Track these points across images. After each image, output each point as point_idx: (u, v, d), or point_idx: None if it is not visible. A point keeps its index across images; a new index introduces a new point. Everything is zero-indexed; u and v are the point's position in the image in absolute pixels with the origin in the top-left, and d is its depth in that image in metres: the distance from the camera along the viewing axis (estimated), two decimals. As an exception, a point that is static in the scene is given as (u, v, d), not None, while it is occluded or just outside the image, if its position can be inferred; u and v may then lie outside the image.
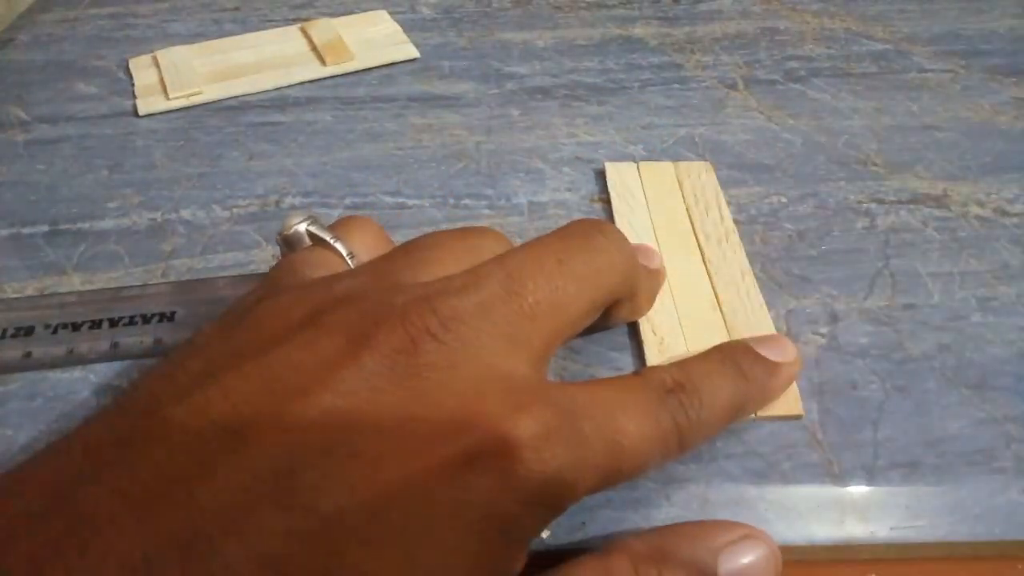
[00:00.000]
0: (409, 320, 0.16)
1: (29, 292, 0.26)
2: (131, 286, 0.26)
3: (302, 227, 0.21)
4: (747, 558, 0.16)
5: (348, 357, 0.15)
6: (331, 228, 0.21)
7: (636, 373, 0.18)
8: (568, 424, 0.15)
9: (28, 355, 0.23)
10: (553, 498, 0.15)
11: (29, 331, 0.24)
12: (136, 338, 0.23)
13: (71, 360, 0.23)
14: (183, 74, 0.37)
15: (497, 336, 0.16)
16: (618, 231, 0.20)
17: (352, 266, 0.20)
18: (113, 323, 0.24)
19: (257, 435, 0.14)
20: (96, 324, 0.24)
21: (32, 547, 0.13)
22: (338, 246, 0.20)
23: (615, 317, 0.22)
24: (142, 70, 0.38)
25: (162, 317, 0.24)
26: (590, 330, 0.23)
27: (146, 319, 0.24)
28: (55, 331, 0.24)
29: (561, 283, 0.18)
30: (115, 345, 0.23)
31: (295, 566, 0.13)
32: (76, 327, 0.24)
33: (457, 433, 0.15)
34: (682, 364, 0.19)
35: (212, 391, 0.15)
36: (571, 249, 0.18)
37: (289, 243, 0.21)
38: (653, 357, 0.22)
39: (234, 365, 0.15)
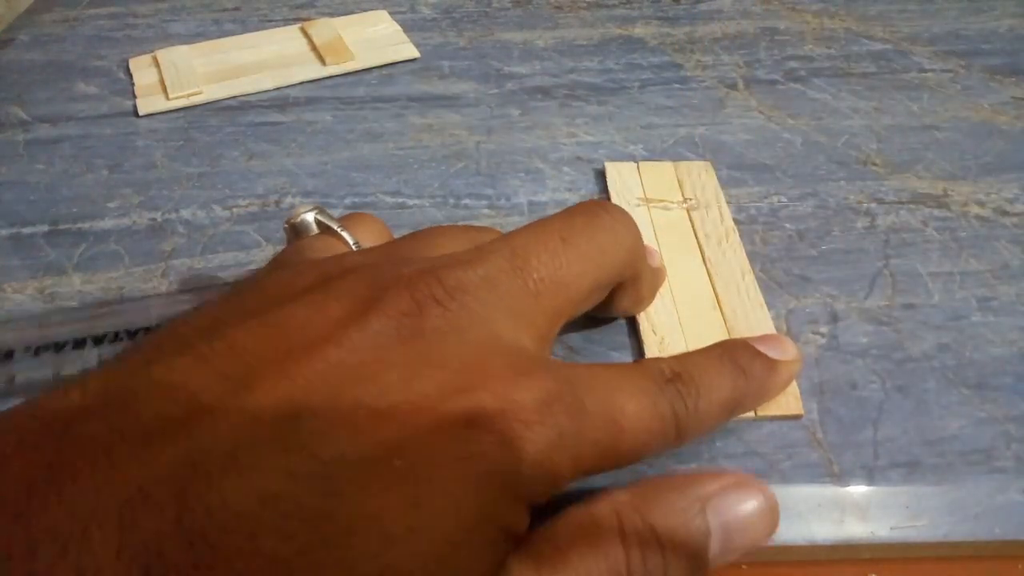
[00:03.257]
0: (416, 287, 0.16)
1: (29, 292, 0.26)
2: (109, 301, 0.25)
3: (310, 216, 0.21)
4: (739, 507, 0.16)
5: (355, 318, 0.15)
6: (338, 220, 0.21)
7: (636, 362, 0.18)
8: (569, 395, 0.16)
9: (11, 380, 0.22)
10: (554, 465, 0.15)
11: (8, 355, 0.22)
12: None
13: (59, 382, 0.22)
14: (183, 74, 0.37)
15: (502, 309, 0.16)
16: (623, 211, 0.20)
17: None
18: (97, 340, 0.23)
19: (261, 382, 0.14)
20: (79, 343, 0.23)
21: (24, 472, 0.12)
22: (345, 235, 0.21)
23: (618, 306, 0.22)
24: (142, 70, 0.38)
25: (147, 331, 0.23)
26: (591, 325, 0.23)
27: (131, 334, 0.23)
28: (37, 353, 0.23)
29: (565, 261, 0.18)
30: (103, 363, 0.22)
31: (295, 505, 0.13)
32: (59, 347, 0.23)
33: (461, 393, 0.15)
34: (681, 357, 0.19)
35: (217, 343, 0.15)
36: (576, 228, 0.19)
37: (296, 231, 0.21)
38: (653, 356, 0.22)
39: (240, 322, 0.15)
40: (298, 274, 0.17)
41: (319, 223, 0.21)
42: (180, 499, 0.12)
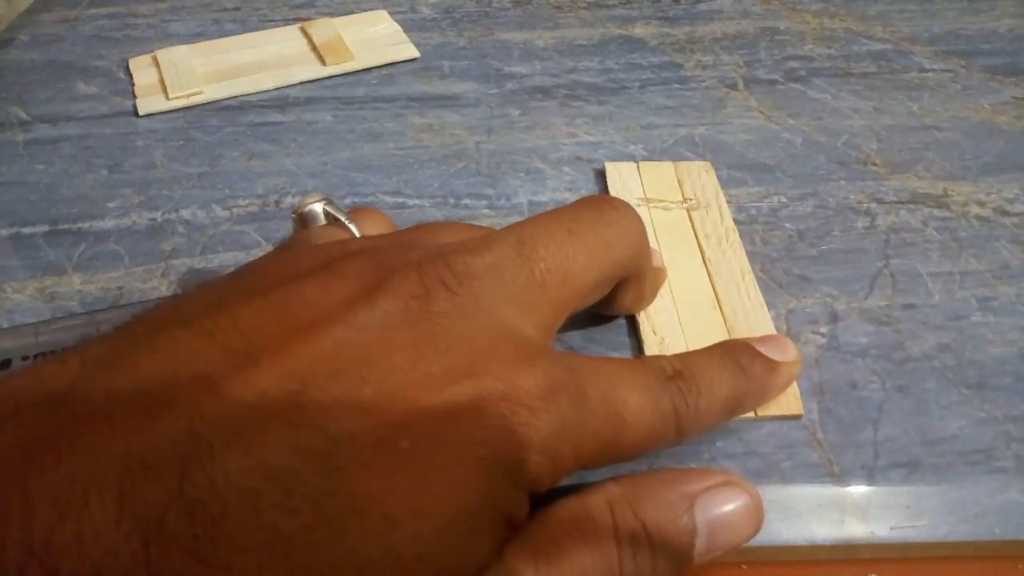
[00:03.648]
0: (424, 271, 0.16)
1: (29, 292, 0.26)
2: (106, 308, 0.25)
3: (318, 206, 0.21)
4: (726, 506, 0.16)
5: (362, 297, 0.15)
6: (346, 212, 0.21)
7: (638, 358, 0.18)
8: (573, 384, 0.16)
9: None
10: (555, 453, 0.15)
11: (5, 365, 0.22)
12: None
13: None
14: (183, 74, 0.37)
15: (508, 297, 0.16)
16: (629, 207, 0.20)
17: None
18: None
19: (266, 357, 0.14)
20: None
21: (21, 437, 0.12)
22: (351, 227, 0.21)
23: (620, 303, 0.22)
24: (142, 70, 0.38)
25: None
26: (592, 324, 0.23)
27: None
28: (34, 361, 0.22)
29: (572, 252, 0.18)
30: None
31: (299, 481, 0.12)
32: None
33: (466, 376, 0.15)
34: (683, 355, 0.19)
35: (221, 318, 0.14)
36: (583, 221, 0.19)
37: (304, 220, 0.21)
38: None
39: (244, 299, 0.15)
40: (302, 256, 0.17)
41: (327, 214, 0.21)
42: (182, 470, 0.12)
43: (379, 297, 0.15)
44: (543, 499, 0.16)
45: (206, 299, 0.15)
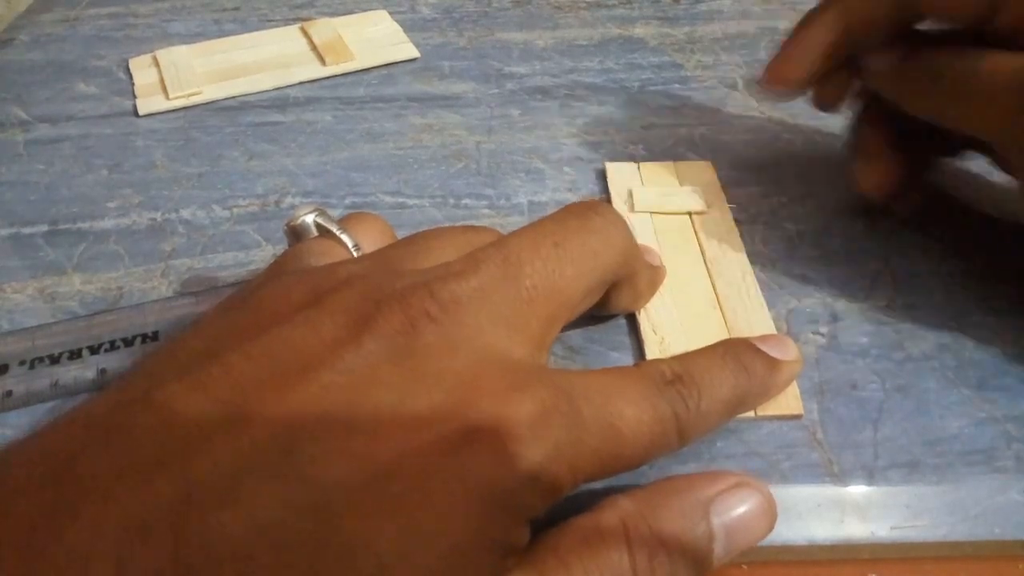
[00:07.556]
0: (408, 303, 0.16)
1: (29, 292, 0.26)
2: (104, 309, 0.25)
3: (309, 218, 0.21)
4: (740, 508, 0.16)
5: (348, 338, 0.15)
6: (339, 222, 0.21)
7: (636, 365, 0.18)
8: (565, 405, 0.16)
9: (9, 394, 0.22)
10: (551, 477, 0.15)
11: (3, 370, 0.22)
12: (123, 363, 0.22)
13: (58, 392, 0.22)
14: (183, 74, 0.37)
15: (495, 320, 0.16)
16: (615, 211, 0.20)
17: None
18: (94, 350, 0.23)
19: (256, 409, 0.14)
20: (76, 354, 0.23)
21: (27, 513, 0.13)
22: (344, 237, 0.21)
23: (616, 304, 0.22)
24: (142, 70, 0.38)
25: (144, 338, 0.23)
26: (592, 322, 0.23)
27: (128, 342, 0.23)
28: (32, 366, 0.22)
29: (558, 266, 0.18)
30: (103, 372, 0.22)
31: (291, 534, 0.13)
32: (55, 359, 0.22)
33: (454, 411, 0.15)
34: (682, 357, 0.19)
35: (214, 368, 0.15)
36: (567, 231, 0.19)
37: (296, 233, 0.21)
38: (654, 356, 0.22)
39: (235, 345, 0.15)
40: (290, 288, 0.17)
41: (318, 226, 0.21)
42: (177, 533, 0.12)
43: (365, 336, 0.15)
44: (552, 519, 0.16)
45: (200, 345, 0.16)
